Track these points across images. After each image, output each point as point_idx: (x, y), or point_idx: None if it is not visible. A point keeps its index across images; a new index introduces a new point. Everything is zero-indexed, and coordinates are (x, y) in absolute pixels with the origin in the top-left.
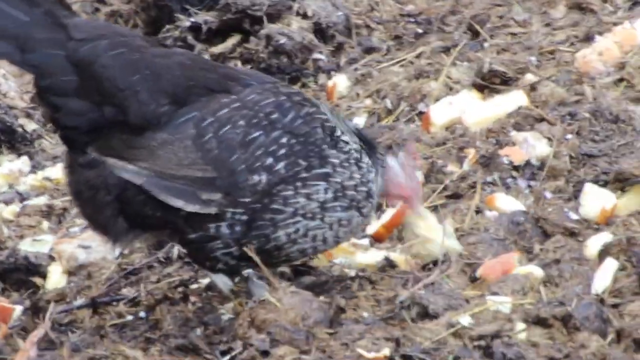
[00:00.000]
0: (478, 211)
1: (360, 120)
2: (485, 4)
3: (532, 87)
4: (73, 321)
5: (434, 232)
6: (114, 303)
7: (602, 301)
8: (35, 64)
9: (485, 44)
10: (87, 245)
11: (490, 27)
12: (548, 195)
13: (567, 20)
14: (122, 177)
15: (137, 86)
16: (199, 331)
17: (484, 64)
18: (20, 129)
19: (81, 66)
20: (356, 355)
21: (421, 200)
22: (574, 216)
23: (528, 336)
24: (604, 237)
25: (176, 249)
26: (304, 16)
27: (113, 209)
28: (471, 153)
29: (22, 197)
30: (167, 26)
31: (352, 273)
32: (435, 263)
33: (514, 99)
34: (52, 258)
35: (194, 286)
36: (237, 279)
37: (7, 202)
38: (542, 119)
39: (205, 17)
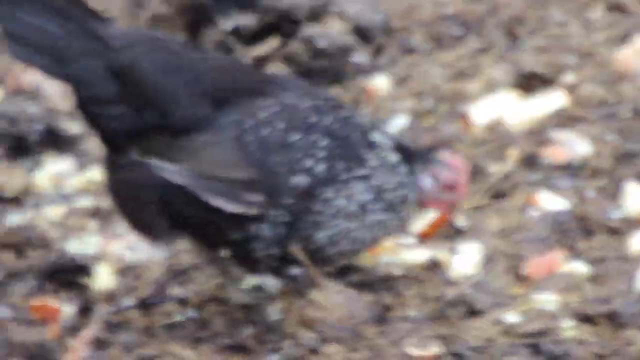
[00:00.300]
0: (522, 210)
1: (400, 122)
2: (523, 5)
3: (573, 88)
4: (123, 321)
5: None
6: (163, 303)
7: None
8: (74, 76)
9: (524, 45)
10: (134, 246)
11: (528, 29)
12: (590, 194)
13: (605, 21)
14: (164, 178)
15: (177, 90)
16: (248, 330)
17: (523, 65)
18: (64, 131)
19: (121, 74)
20: (404, 353)
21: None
22: (617, 214)
23: (575, 333)
24: None
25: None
26: (344, 18)
27: (154, 209)
28: (513, 153)
29: (68, 199)
30: (207, 29)
31: (398, 272)
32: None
33: (554, 99)
34: (99, 259)
35: (243, 286)
36: (284, 278)
37: (53, 204)
38: (582, 119)
39: (245, 20)
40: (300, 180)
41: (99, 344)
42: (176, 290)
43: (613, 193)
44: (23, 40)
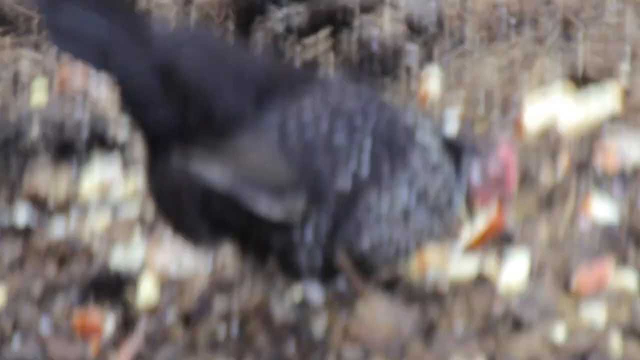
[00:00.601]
0: (572, 220)
1: (452, 124)
2: None
3: (627, 90)
4: (165, 336)
5: None
6: (207, 317)
7: None
8: (118, 69)
9: (579, 35)
10: (179, 258)
11: (583, 18)
12: None
13: None
14: (207, 182)
15: (220, 89)
16: (291, 346)
17: (578, 55)
18: (111, 138)
19: (165, 71)
20: None
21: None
22: None
23: (624, 349)
24: None
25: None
26: (396, 8)
27: (196, 213)
28: (565, 160)
29: (113, 208)
30: (259, 18)
31: (445, 286)
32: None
33: (607, 105)
34: (143, 270)
35: (287, 300)
36: (329, 291)
37: (98, 213)
38: (636, 124)
39: (297, 9)
40: (343, 183)
41: (141, 358)
42: (220, 304)
43: None
44: (66, 33)
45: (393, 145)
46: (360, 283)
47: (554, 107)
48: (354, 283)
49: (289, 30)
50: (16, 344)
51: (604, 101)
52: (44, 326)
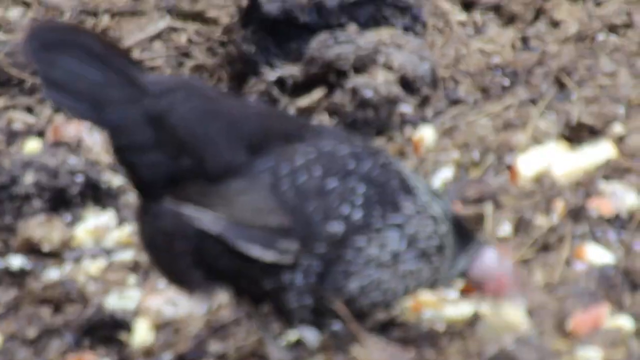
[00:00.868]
0: (567, 264)
1: (447, 173)
2: (572, 56)
3: (620, 139)
4: None
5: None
6: (202, 359)
7: None
8: (111, 122)
9: (573, 96)
10: (174, 301)
11: (577, 79)
12: (638, 247)
13: None
14: (199, 226)
15: (214, 137)
16: None
17: (572, 116)
18: (105, 184)
19: (158, 121)
20: None
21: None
22: None
23: None
24: None
25: None
26: (390, 68)
27: (189, 259)
28: (560, 205)
29: (108, 253)
30: (252, 79)
31: (441, 327)
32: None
33: (602, 151)
34: (138, 314)
35: (284, 341)
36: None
37: (92, 258)
38: (630, 170)
39: (291, 71)
40: (335, 227)
41: None
42: (215, 346)
43: None
44: (60, 85)
45: (386, 190)
46: (355, 324)
47: (549, 153)
48: (349, 324)
49: (282, 91)
50: None
51: (598, 148)
52: None
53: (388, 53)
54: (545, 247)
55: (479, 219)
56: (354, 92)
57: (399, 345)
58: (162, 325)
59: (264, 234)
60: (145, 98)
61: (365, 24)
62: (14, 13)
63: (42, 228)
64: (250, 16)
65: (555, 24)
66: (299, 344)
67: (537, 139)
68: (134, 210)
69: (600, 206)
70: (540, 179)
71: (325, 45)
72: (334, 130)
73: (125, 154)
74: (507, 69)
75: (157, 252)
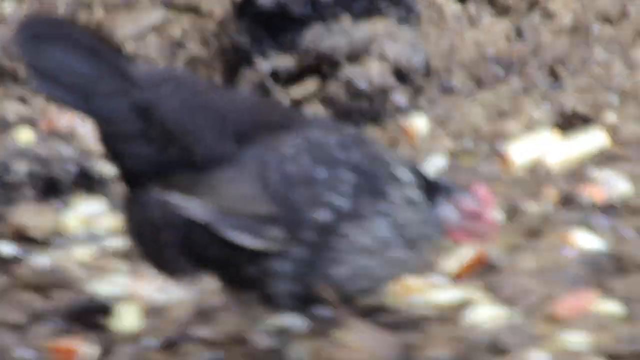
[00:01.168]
0: (558, 250)
1: (440, 161)
2: (566, 46)
3: (614, 127)
4: None
5: None
6: (189, 344)
7: None
8: (100, 113)
9: (566, 85)
10: (164, 287)
11: (571, 69)
12: (629, 234)
13: None
14: (185, 215)
15: (202, 128)
16: None
17: (565, 105)
18: (96, 173)
19: (146, 111)
20: None
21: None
22: None
23: None
24: None
25: None
26: (384, 59)
27: (176, 247)
28: (552, 192)
29: (98, 240)
30: (246, 71)
31: (428, 312)
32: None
33: (594, 139)
34: (127, 300)
35: (270, 327)
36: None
37: (82, 245)
38: (622, 158)
39: (285, 62)
40: (323, 215)
41: None
42: (201, 331)
43: None
44: (50, 76)
45: (374, 179)
46: (341, 310)
47: (542, 141)
48: (336, 310)
49: (276, 82)
50: None
51: (591, 136)
52: (27, 354)
53: (382, 44)
54: (536, 234)
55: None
56: (348, 82)
57: (386, 330)
58: (150, 312)
59: (252, 222)
60: (133, 89)
61: (359, 16)
62: (8, 7)
63: (32, 215)
64: (245, 9)
65: (549, 14)
66: (285, 329)
67: (531, 128)
68: (122, 200)
69: (592, 193)
70: (533, 167)
71: (319, 37)
72: (323, 120)
73: (113, 144)
74: (501, 59)
75: (144, 242)
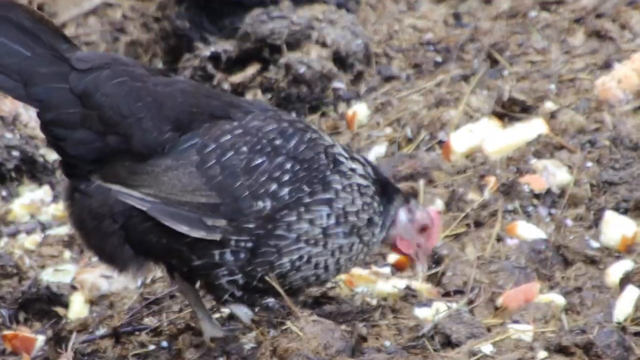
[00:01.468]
0: (499, 239)
1: (380, 149)
2: (504, 32)
3: (552, 115)
4: (95, 351)
5: None
6: (137, 333)
7: (623, 329)
8: (39, 98)
9: (505, 72)
10: (108, 275)
11: (509, 55)
12: (569, 223)
13: (586, 48)
14: (127, 204)
15: (140, 114)
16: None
17: (504, 92)
18: (41, 159)
19: (84, 97)
20: None
21: (425, 261)
22: (595, 244)
23: None
24: (625, 265)
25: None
26: (323, 45)
27: (118, 237)
28: (492, 181)
29: (44, 227)
30: (187, 55)
31: (374, 302)
32: (457, 292)
33: (533, 127)
34: (74, 288)
35: (216, 316)
36: (257, 309)
37: (28, 232)
38: (562, 147)
39: (225, 46)
40: (263, 204)
41: None
42: (149, 320)
43: (591, 222)
44: None
45: (314, 166)
46: (288, 299)
47: (481, 129)
48: (283, 299)
49: (216, 66)
50: None
51: (530, 124)
52: None
53: (321, 29)
54: (477, 223)
55: (412, 194)
56: (288, 68)
57: (334, 320)
58: (97, 299)
59: (191, 211)
60: (72, 74)
61: (299, 1)
62: None
63: None
64: None
65: (487, 0)
66: (232, 318)
67: (469, 115)
68: (63, 189)
69: (531, 182)
70: (473, 155)
71: (259, 21)
72: (262, 107)
73: (52, 130)
74: (439, 45)
75: (86, 231)
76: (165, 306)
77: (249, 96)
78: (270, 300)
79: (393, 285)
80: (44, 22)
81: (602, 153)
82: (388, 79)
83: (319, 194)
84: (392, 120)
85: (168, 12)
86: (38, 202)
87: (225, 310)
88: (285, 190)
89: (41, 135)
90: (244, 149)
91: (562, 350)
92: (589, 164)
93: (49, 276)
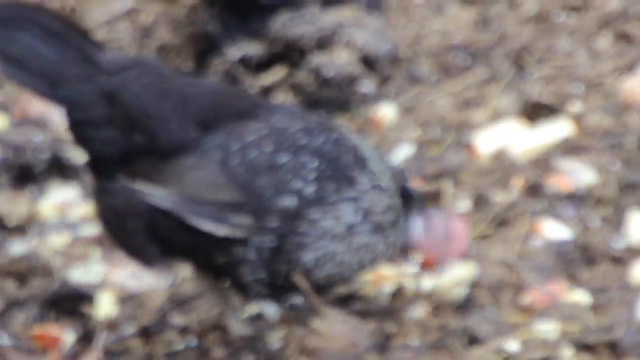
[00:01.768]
0: (526, 239)
1: (408, 151)
2: (531, 36)
3: (579, 118)
4: (124, 350)
5: None
6: (165, 331)
7: None
8: (66, 99)
9: (532, 75)
10: (138, 274)
11: (536, 59)
12: (595, 223)
13: (612, 52)
14: (152, 203)
15: (166, 114)
16: (249, 357)
17: (531, 95)
18: (70, 160)
19: (112, 97)
20: None
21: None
22: (621, 244)
23: None
24: None
25: None
26: (352, 48)
27: (143, 235)
28: (518, 182)
29: (73, 227)
30: (216, 59)
31: (401, 299)
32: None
33: (560, 129)
34: (103, 287)
35: (244, 314)
36: (285, 305)
37: (57, 232)
38: (589, 148)
39: (254, 50)
40: (288, 201)
41: None
42: (177, 319)
43: (617, 222)
44: (17, 62)
45: (339, 165)
46: (315, 297)
47: (507, 131)
48: (310, 298)
49: (245, 69)
50: None
51: (556, 126)
52: (4, 340)
53: (350, 32)
54: (503, 223)
55: (439, 195)
56: (316, 71)
57: (360, 318)
58: (125, 299)
59: (216, 209)
60: (99, 75)
61: (328, 4)
62: None
63: (7, 203)
64: None
65: (514, 3)
66: (259, 317)
67: (496, 117)
68: (90, 189)
69: (558, 183)
70: (499, 157)
71: (288, 25)
72: (287, 108)
73: (79, 130)
74: (467, 48)
75: (113, 230)
76: (194, 305)
77: (277, 99)
78: (297, 299)
79: (420, 283)
80: (72, 26)
81: (629, 155)
82: (416, 81)
83: (345, 192)
84: (419, 122)
85: (198, 15)
86: (67, 203)
87: (253, 309)
88: (311, 188)
89: (68, 136)
90: (269, 147)
91: (587, 348)
92: (615, 165)
93: (78, 276)
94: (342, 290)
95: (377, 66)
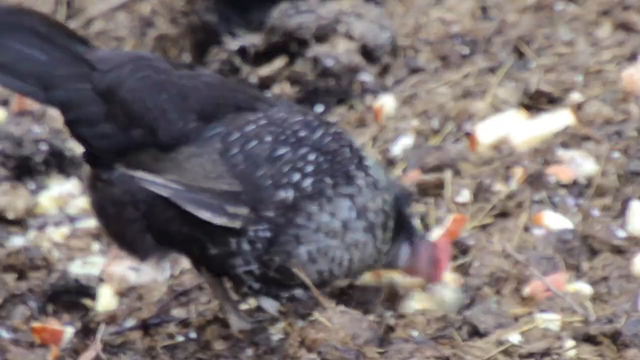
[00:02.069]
0: (526, 229)
1: (407, 141)
2: (530, 25)
3: (579, 107)
4: (124, 342)
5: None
6: (165, 324)
7: None
8: (60, 100)
9: (531, 64)
10: (137, 267)
11: (536, 48)
12: (595, 213)
13: (612, 40)
14: (149, 192)
15: (164, 106)
16: (249, 352)
17: (530, 84)
18: (69, 153)
19: (108, 94)
20: None
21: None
22: (622, 234)
23: (577, 353)
24: None
25: None
26: (351, 38)
27: (140, 225)
28: (518, 172)
29: (72, 220)
30: (214, 49)
31: (402, 292)
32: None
33: (560, 119)
34: (102, 280)
35: (244, 307)
36: (284, 300)
37: (57, 225)
38: (588, 138)
39: (252, 40)
40: (285, 193)
41: None
42: (178, 312)
43: (618, 212)
44: (6, 67)
45: (338, 159)
46: (315, 289)
47: (508, 121)
48: (310, 290)
49: (244, 60)
50: None
51: (556, 115)
52: (4, 333)
53: (349, 22)
54: (504, 213)
55: (439, 185)
56: (315, 61)
57: (359, 310)
58: (125, 291)
59: (214, 198)
60: (94, 74)
61: None
62: None
63: (6, 196)
64: None
65: None
66: (259, 310)
67: (496, 107)
68: (86, 178)
69: (558, 173)
70: (499, 146)
71: (287, 15)
72: (286, 103)
73: (76, 128)
74: (466, 37)
75: (108, 219)
76: (193, 298)
77: (276, 89)
78: (298, 292)
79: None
80: (59, 27)
81: (629, 144)
82: (415, 71)
83: (342, 187)
84: (419, 112)
85: (197, 7)
86: (66, 195)
87: (252, 302)
88: (308, 181)
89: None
90: (268, 138)
91: (589, 339)
92: (616, 154)
93: (78, 268)
94: (341, 283)
95: (376, 56)
